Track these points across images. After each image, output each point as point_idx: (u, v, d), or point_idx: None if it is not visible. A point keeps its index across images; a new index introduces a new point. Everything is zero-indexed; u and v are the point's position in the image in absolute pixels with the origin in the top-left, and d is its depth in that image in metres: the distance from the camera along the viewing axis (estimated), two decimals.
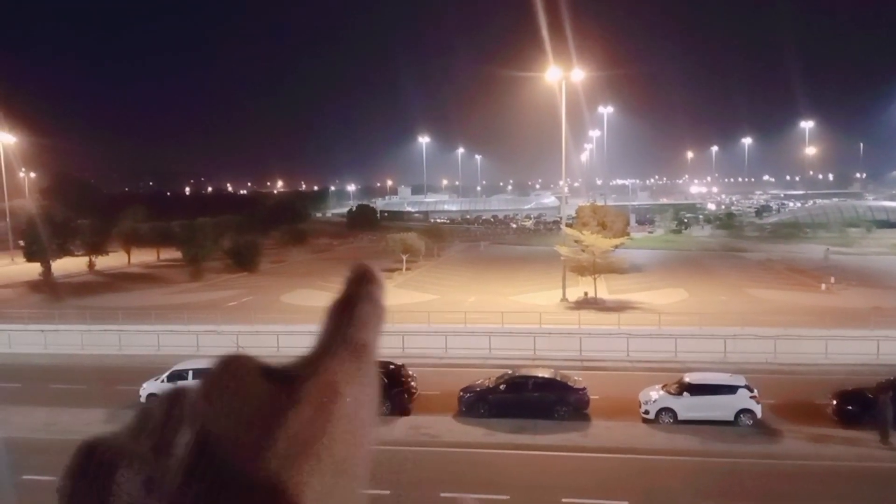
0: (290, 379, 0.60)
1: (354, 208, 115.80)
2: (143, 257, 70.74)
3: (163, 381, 26.62)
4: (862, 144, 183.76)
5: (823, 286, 45.57)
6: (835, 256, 59.02)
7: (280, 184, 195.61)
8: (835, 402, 22.95)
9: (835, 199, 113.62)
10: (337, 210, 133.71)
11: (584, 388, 23.92)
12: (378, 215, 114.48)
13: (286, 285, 53.08)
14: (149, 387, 26.73)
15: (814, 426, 22.21)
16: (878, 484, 18.29)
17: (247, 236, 65.78)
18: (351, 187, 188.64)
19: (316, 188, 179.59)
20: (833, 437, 21.37)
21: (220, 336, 33.84)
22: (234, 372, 0.60)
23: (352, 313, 0.62)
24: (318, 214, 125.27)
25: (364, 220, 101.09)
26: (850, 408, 22.49)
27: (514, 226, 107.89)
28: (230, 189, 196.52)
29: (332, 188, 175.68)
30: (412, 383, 25.25)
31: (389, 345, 31.55)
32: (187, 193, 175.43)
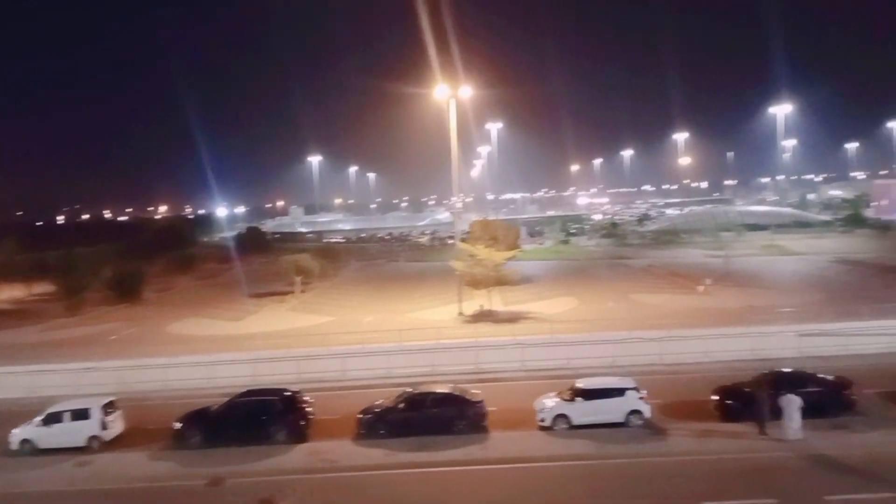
0: None
1: (243, 231, 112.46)
2: (13, 292, 65.68)
3: (38, 425, 24.68)
4: (733, 154, 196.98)
5: (700, 288, 48.28)
6: (709, 260, 62.74)
7: (163, 208, 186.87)
8: (716, 399, 24.25)
9: (708, 206, 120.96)
10: (226, 234, 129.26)
11: (482, 401, 24.10)
12: (269, 237, 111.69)
13: (172, 314, 50.72)
14: (21, 432, 24.72)
15: (698, 422, 23.32)
16: (760, 473, 19.38)
17: (128, 265, 62.41)
18: (240, 210, 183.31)
19: (202, 212, 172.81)
20: (716, 432, 22.51)
21: (101, 373, 31.75)
22: None
23: None
24: (206, 239, 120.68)
25: (254, 242, 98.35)
26: (730, 403, 23.80)
27: (410, 242, 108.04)
28: (109, 216, 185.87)
29: (220, 211, 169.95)
30: (308, 409, 24.59)
31: (284, 371, 30.78)
32: (61, 222, 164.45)
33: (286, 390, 25.44)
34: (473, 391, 25.10)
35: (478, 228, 48.53)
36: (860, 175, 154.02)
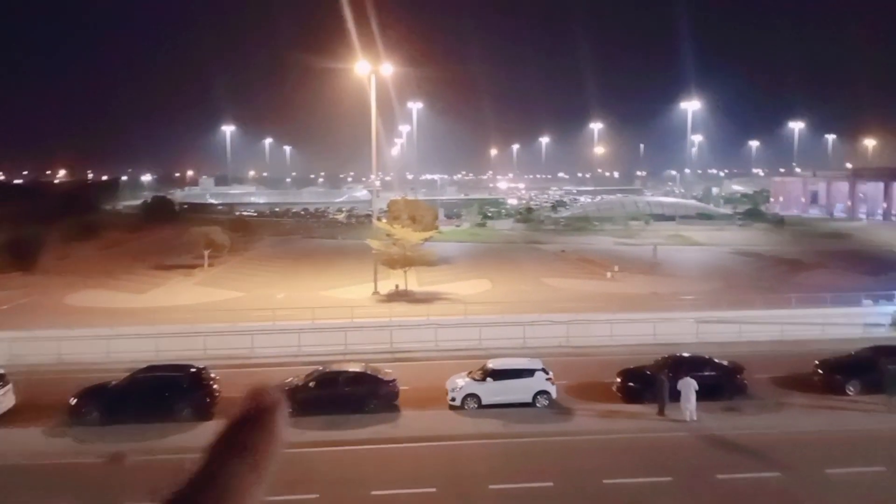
0: None
1: (150, 200, 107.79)
2: None
3: None
4: (643, 146, 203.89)
5: (609, 274, 49.91)
6: (619, 247, 64.94)
7: (63, 172, 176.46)
8: (619, 381, 25.22)
9: (619, 195, 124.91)
10: (131, 202, 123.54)
11: (394, 380, 24.15)
12: (177, 207, 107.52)
13: (71, 284, 48.15)
14: None
15: (602, 403, 24.21)
16: (658, 453, 20.34)
17: (25, 230, 58.66)
18: (146, 177, 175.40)
19: (106, 178, 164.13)
20: (618, 413, 23.43)
21: None
22: None
23: (241, 451, 0.58)
24: (109, 207, 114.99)
25: (161, 212, 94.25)
26: (632, 385, 24.82)
27: (326, 218, 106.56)
28: (2, 178, 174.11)
29: (125, 178, 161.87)
30: (215, 386, 23.94)
31: (190, 347, 29.80)
32: None
33: (192, 366, 24.70)
34: (386, 370, 25.11)
35: (396, 208, 48.29)
36: (761, 172, 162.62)
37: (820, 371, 26.10)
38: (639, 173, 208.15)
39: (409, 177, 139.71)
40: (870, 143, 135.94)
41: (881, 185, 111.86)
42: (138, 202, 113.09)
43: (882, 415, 22.93)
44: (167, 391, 23.25)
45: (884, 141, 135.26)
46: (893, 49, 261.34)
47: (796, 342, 31.13)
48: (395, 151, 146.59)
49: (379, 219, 48.95)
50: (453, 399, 23.89)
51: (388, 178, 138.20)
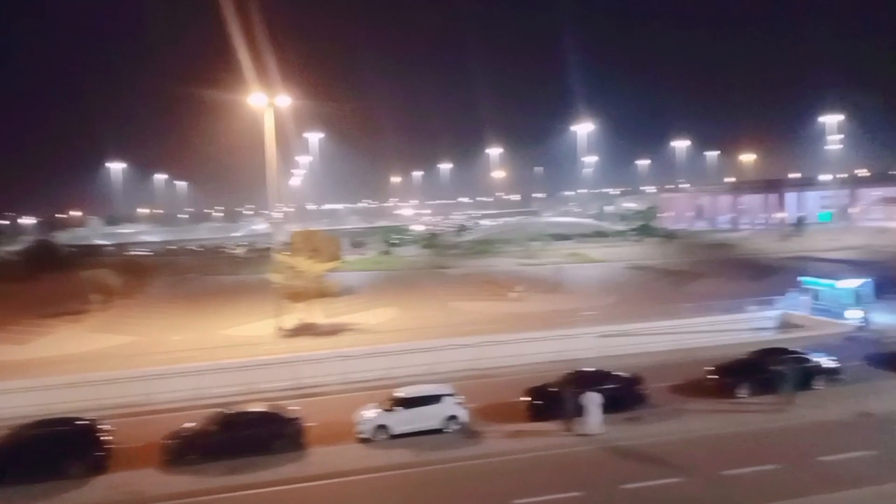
0: None
1: (33, 244, 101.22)
2: None
3: None
4: (542, 168, 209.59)
5: (513, 295, 50.82)
6: (521, 268, 66.31)
7: None
8: (526, 399, 25.56)
9: (519, 217, 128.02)
10: (12, 247, 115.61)
11: (299, 418, 23.51)
12: (63, 251, 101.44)
13: None
14: None
15: (511, 423, 24.43)
16: (565, 469, 20.65)
17: None
18: (28, 220, 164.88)
19: None
20: (526, 432, 23.70)
21: None
22: None
23: None
24: None
25: (45, 257, 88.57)
26: (538, 403, 25.20)
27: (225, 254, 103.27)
28: None
29: (6, 222, 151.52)
30: (106, 438, 22.51)
31: (81, 397, 28.12)
32: None
33: (80, 419, 23.19)
34: (291, 408, 24.42)
35: (298, 240, 47.40)
36: (650, 189, 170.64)
37: (712, 376, 27.45)
38: (537, 195, 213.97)
39: (311, 207, 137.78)
40: (748, 157, 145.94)
41: (759, 196, 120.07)
42: (19, 247, 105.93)
43: (771, 413, 24.28)
44: (54, 448, 21.66)
45: (762, 155, 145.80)
46: (767, 69, 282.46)
47: (690, 350, 32.69)
48: (295, 182, 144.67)
49: (281, 252, 47.89)
50: (362, 432, 23.49)
51: (289, 210, 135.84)
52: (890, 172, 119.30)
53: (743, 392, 26.33)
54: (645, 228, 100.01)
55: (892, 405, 24.56)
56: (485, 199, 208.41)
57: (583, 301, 47.73)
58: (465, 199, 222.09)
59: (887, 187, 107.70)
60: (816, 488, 18.34)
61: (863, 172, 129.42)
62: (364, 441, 23.29)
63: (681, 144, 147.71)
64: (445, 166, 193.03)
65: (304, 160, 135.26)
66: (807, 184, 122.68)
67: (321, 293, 43.52)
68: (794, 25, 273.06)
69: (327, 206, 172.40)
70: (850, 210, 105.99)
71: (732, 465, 20.01)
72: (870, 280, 38.21)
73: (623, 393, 25.49)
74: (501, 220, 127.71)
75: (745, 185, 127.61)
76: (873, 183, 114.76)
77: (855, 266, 50.16)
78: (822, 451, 20.68)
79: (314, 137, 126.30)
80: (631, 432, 23.21)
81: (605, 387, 24.71)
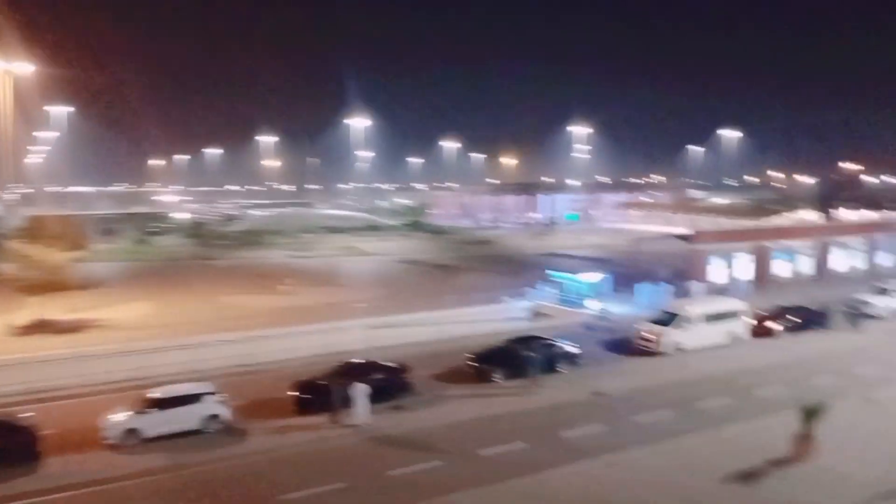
0: None
1: None
2: None
3: None
4: (316, 160, 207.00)
5: (283, 288, 49.74)
6: (292, 260, 65.13)
7: None
8: (294, 394, 25.16)
9: (292, 208, 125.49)
10: None
11: (31, 426, 20.87)
12: None
13: None
14: None
15: (277, 419, 23.90)
16: (332, 461, 20.66)
17: None
18: None
19: None
20: (293, 427, 23.33)
21: None
22: None
23: None
24: None
25: None
26: (306, 396, 24.94)
27: None
28: None
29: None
30: None
31: None
32: None
33: None
34: (22, 415, 21.60)
35: (34, 225, 42.12)
36: (422, 186, 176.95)
37: (471, 363, 29.23)
38: (312, 187, 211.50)
39: (54, 189, 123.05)
40: (509, 161, 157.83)
41: (517, 197, 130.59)
42: None
43: (521, 396, 26.42)
44: None
45: (521, 160, 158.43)
46: (524, 81, 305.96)
47: (452, 339, 34.45)
48: (36, 161, 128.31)
49: (14, 239, 42.11)
50: (110, 437, 21.49)
51: (26, 192, 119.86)
52: (623, 180, 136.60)
53: (498, 377, 28.36)
54: (415, 224, 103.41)
55: (622, 385, 28.00)
56: (256, 188, 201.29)
57: (354, 294, 48.04)
58: (235, 188, 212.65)
59: (623, 193, 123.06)
60: (559, 461, 20.30)
61: (605, 179, 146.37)
62: (113, 447, 21.32)
63: (451, 146, 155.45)
64: (214, 152, 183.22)
65: (47, 136, 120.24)
66: (557, 188, 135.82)
67: (61, 286, 39.04)
68: (549, 43, 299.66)
69: (74, 189, 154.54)
70: (592, 212, 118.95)
71: (488, 444, 21.46)
72: (607, 275, 43.37)
73: (390, 383, 26.12)
74: (274, 211, 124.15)
75: (505, 187, 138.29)
76: (612, 189, 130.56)
77: (595, 262, 56.32)
78: (564, 427, 22.97)
79: (61, 111, 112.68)
80: (396, 420, 23.87)
81: (372, 377, 25.11)
